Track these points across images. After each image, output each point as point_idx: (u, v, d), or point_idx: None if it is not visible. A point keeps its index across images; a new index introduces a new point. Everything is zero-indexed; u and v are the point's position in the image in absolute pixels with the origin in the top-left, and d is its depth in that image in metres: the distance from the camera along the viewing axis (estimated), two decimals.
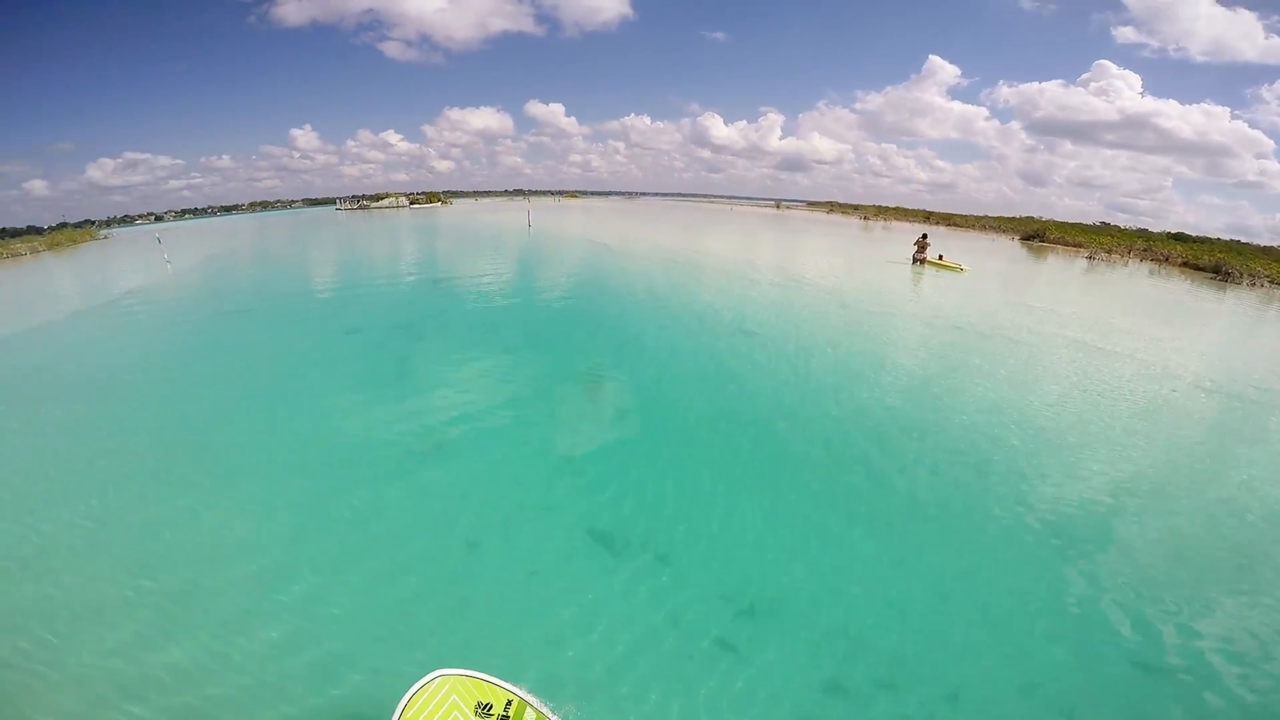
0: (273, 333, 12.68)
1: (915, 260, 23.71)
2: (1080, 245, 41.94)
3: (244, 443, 7.44)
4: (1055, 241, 45.70)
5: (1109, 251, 36.32)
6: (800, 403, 8.67)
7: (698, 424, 7.96)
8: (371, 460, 6.84)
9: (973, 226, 68.09)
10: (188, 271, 23.87)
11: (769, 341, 11.68)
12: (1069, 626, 4.46)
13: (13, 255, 46.75)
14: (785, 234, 40.20)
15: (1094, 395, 9.17)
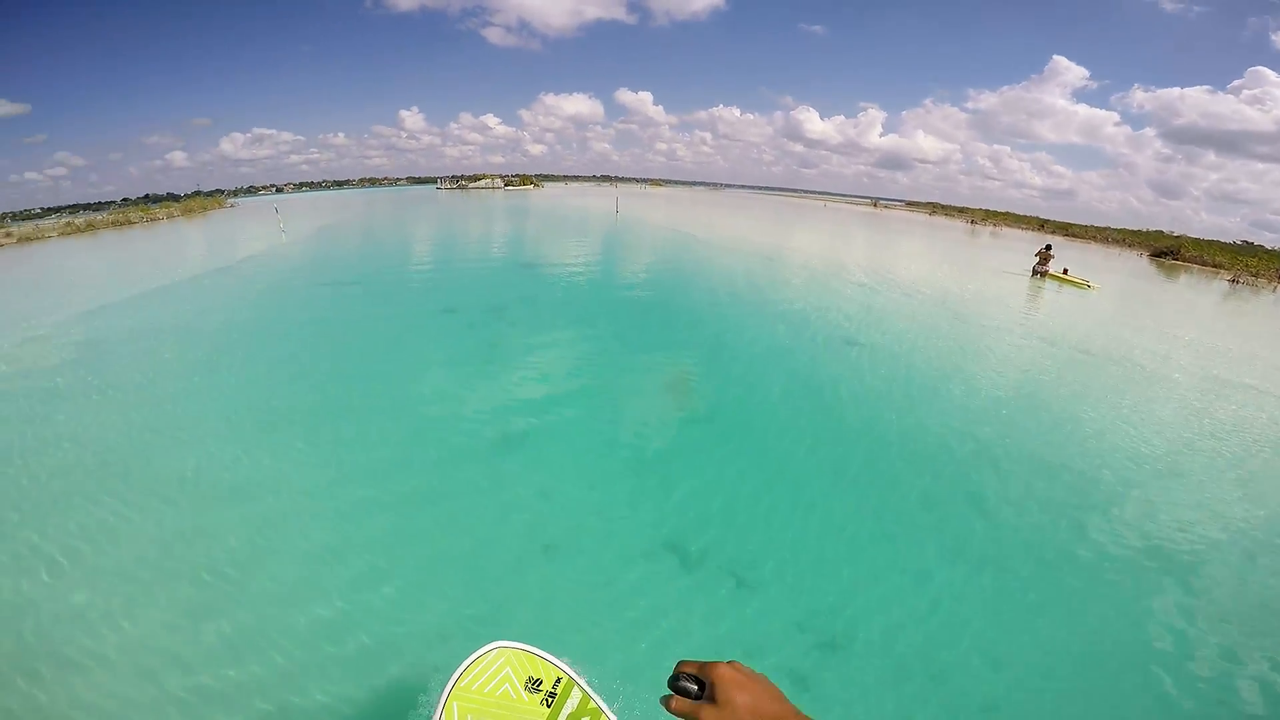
0: (373, 306, 12.93)
1: (1036, 272, 21.59)
2: (1220, 266, 37.20)
3: (334, 410, 7.46)
4: (1190, 260, 40.82)
5: (1255, 275, 31.81)
6: (905, 423, 7.75)
7: (788, 436, 7.23)
8: (450, 442, 6.67)
9: (1093, 238, 62.27)
10: (300, 241, 25.21)
11: (871, 353, 10.69)
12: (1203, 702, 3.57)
13: (152, 220, 51.58)
14: (886, 235, 38.00)
15: (1250, 443, 7.72)
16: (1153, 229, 68.22)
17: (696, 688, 0.75)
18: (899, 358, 10.54)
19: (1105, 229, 66.37)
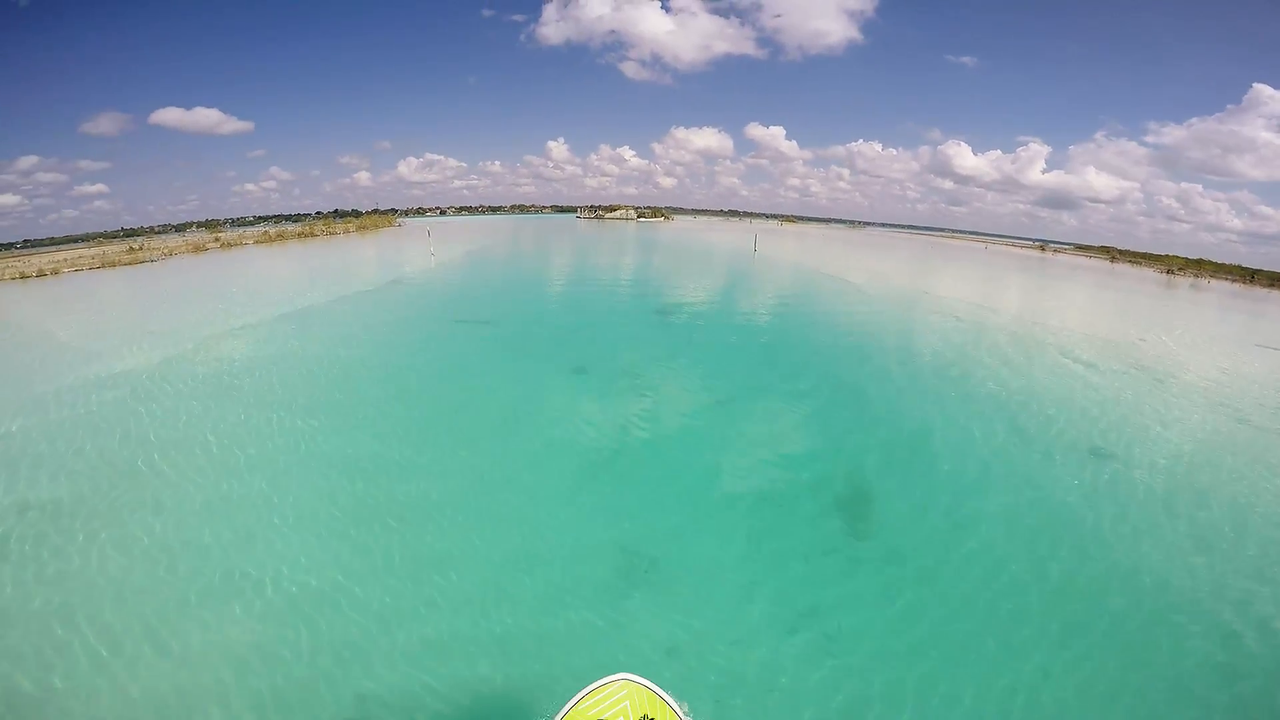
0: (501, 357, 11.41)
1: None
2: None
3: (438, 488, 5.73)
4: None
5: None
6: (1184, 583, 4.72)
7: (1022, 614, 4.67)
8: (554, 578, 4.92)
9: None
10: (446, 266, 25.28)
11: (1134, 475, 7.35)
12: None
13: (331, 234, 56.70)
14: (1074, 286, 31.98)
15: None
16: None
17: None
18: (1179, 488, 7.12)
19: None
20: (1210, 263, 70.53)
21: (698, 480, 6.86)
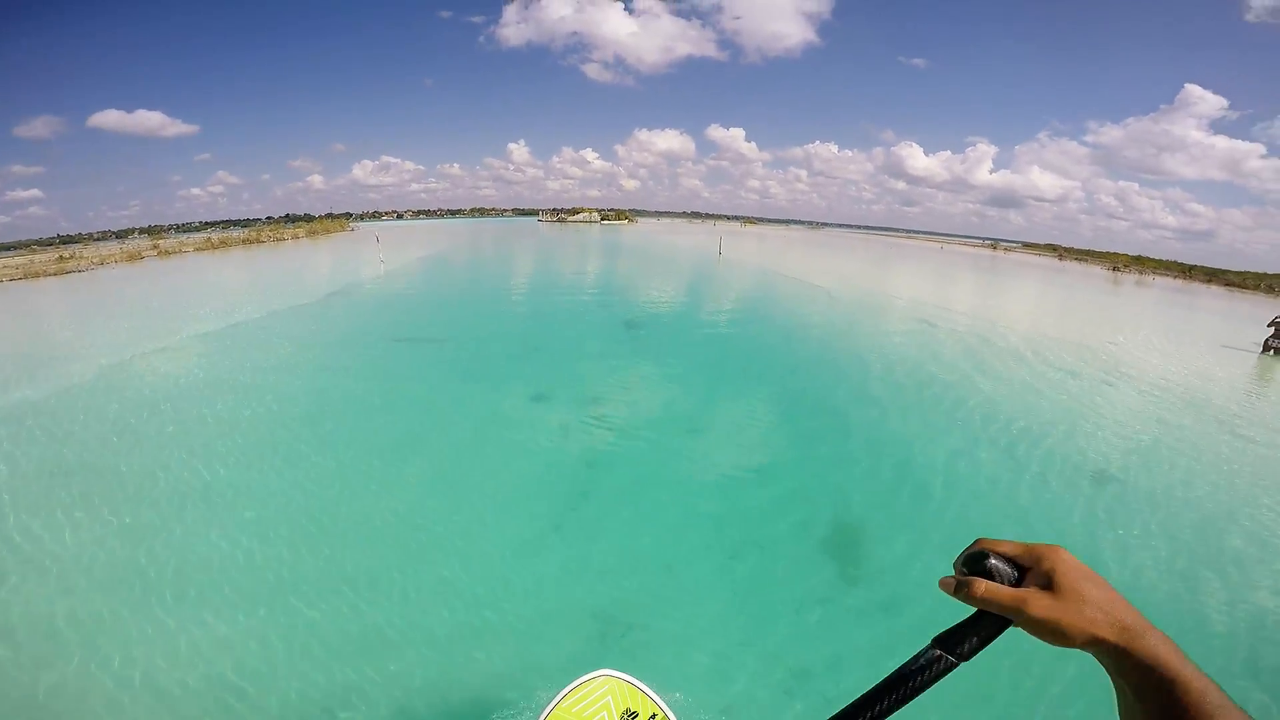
0: (450, 382, 9.96)
1: (1270, 348, 16.11)
2: None
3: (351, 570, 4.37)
4: None
5: None
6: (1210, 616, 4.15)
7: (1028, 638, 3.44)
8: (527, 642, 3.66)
9: (1254, 286, 52.33)
10: (396, 274, 23.55)
11: (1134, 493, 6.63)
12: None
13: (278, 240, 53.71)
14: (1032, 285, 32.12)
15: None
16: None
17: (1015, 572, 0.58)
18: (1186, 508, 6.39)
19: (1265, 275, 56.05)
20: (1150, 259, 73.35)
21: (673, 524, 5.76)
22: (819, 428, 8.45)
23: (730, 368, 11.17)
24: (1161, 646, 0.51)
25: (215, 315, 14.48)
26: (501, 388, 9.59)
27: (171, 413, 8.03)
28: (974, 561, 0.59)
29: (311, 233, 62.38)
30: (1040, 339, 15.03)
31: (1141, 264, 66.61)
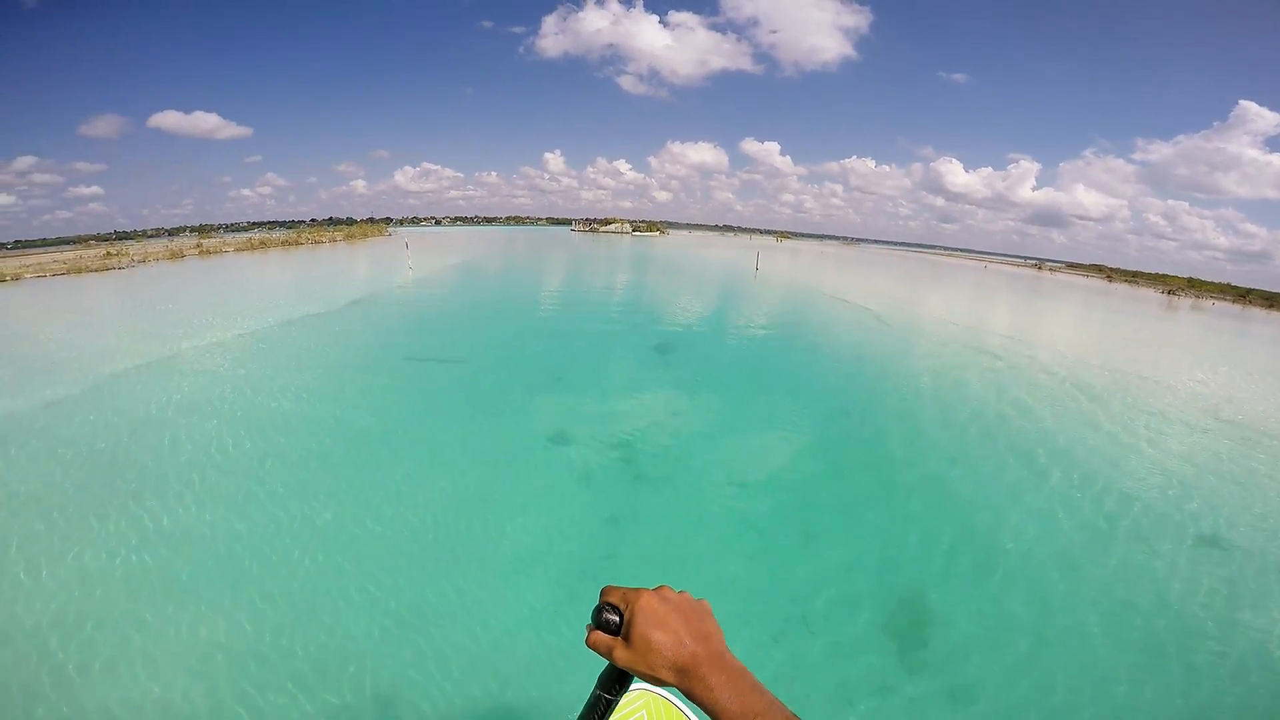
0: (462, 416, 8.71)
1: None
2: None
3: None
4: None
5: None
6: None
7: None
8: None
9: None
10: (423, 283, 22.74)
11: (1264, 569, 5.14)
12: None
13: (316, 243, 54.10)
14: (1097, 314, 29.66)
15: None
16: None
17: (618, 619, 0.64)
18: None
19: None
20: (1205, 282, 69.12)
21: (706, 595, 4.38)
22: (873, 481, 7.00)
23: (771, 406, 9.75)
24: (713, 680, 0.57)
25: (225, 322, 13.67)
26: (519, 425, 8.36)
27: (127, 444, 6.99)
28: (596, 611, 0.64)
29: (349, 237, 62.89)
30: (1115, 374, 13.20)
31: (1197, 287, 62.58)
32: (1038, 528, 5.97)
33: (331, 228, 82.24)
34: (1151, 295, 54.53)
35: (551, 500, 6.25)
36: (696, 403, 9.56)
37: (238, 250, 45.72)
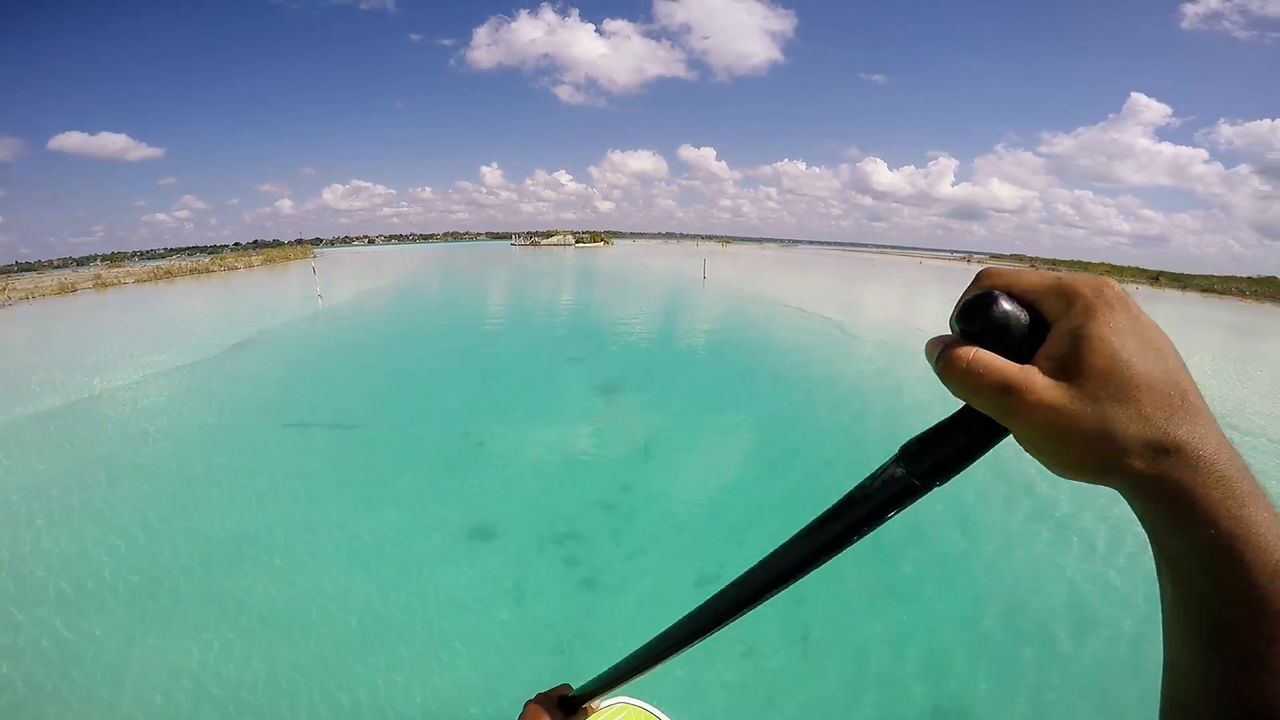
0: (342, 513, 6.18)
1: None
2: None
3: None
4: None
5: None
6: None
7: None
8: None
9: (1224, 292, 51.09)
10: (332, 314, 19.60)
11: None
12: None
13: (232, 269, 49.21)
14: None
15: None
16: (1262, 274, 57.68)
17: (1027, 322, 0.32)
18: None
19: (1228, 279, 55.29)
20: (1123, 267, 72.60)
21: None
22: (884, 561, 4.94)
23: (747, 461, 7.56)
24: (1243, 485, 0.28)
25: (67, 383, 10.47)
26: (426, 516, 5.96)
27: None
28: (973, 310, 0.33)
29: (269, 261, 57.82)
30: None
31: (1121, 273, 65.46)
32: (1093, 590, 3.92)
33: (256, 251, 76.18)
34: None
35: (469, 631, 4.16)
36: (654, 466, 7.26)
37: (139, 281, 40.79)
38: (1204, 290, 54.66)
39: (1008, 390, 0.29)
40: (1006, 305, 0.31)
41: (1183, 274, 65.62)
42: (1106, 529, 5.83)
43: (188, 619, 4.37)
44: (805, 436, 8.63)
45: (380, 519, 5.88)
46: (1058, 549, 5.54)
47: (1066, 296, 0.30)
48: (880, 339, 15.93)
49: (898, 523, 0.40)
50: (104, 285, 38.01)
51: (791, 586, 0.45)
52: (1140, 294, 45.07)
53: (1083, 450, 0.29)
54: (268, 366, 12.32)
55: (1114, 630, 4.35)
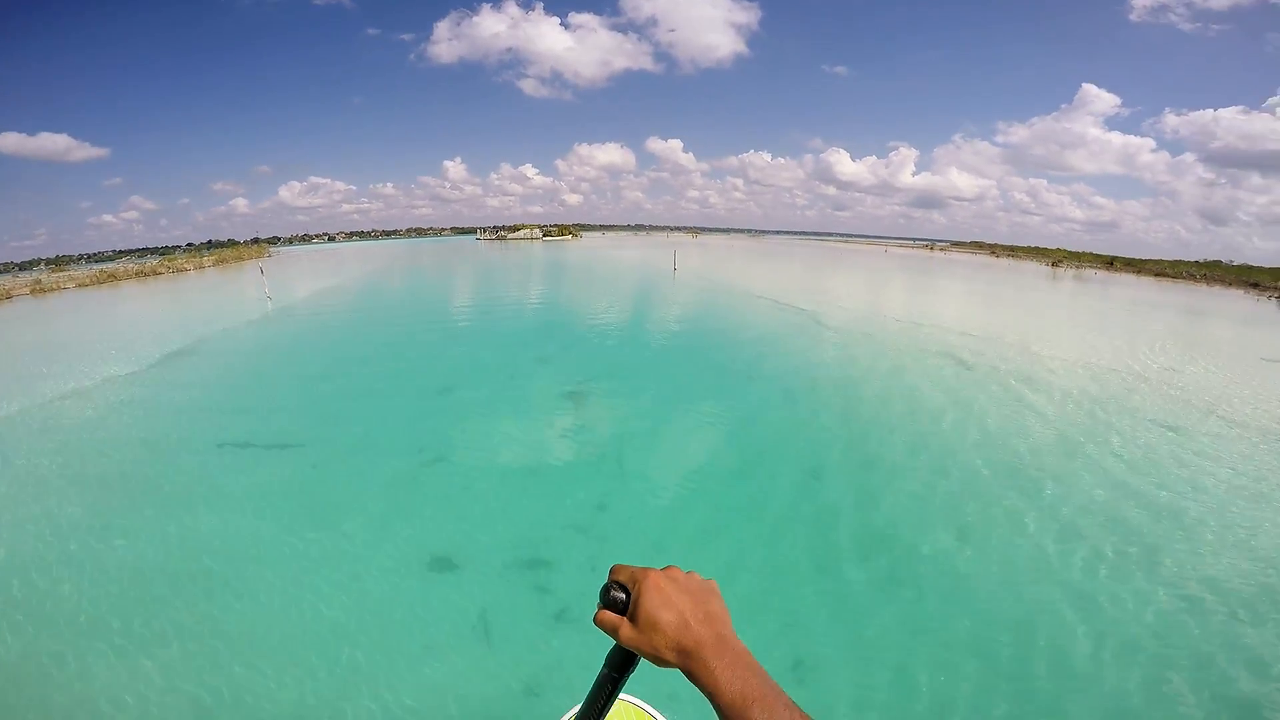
0: (282, 546, 5.39)
1: None
2: None
3: None
4: None
5: None
6: None
7: None
8: None
9: (1164, 274, 52.96)
10: (281, 317, 18.39)
11: None
12: None
13: (181, 270, 46.65)
14: (1014, 292, 29.28)
15: None
16: (1207, 259, 59.94)
17: (625, 597, 0.62)
18: None
19: (1179, 263, 57.31)
20: (1079, 253, 74.58)
21: None
22: (879, 583, 4.42)
23: (730, 473, 7.00)
24: (715, 664, 0.54)
25: None
26: (378, 545, 5.24)
27: None
28: (603, 592, 0.62)
29: (221, 261, 55.16)
30: (1090, 370, 11.54)
31: (1076, 259, 67.04)
32: (1115, 607, 3.46)
33: (201, 253, 72.71)
34: (1037, 268, 57.39)
35: (432, 675, 3.56)
36: (630, 480, 6.63)
37: (80, 286, 38.37)
38: (1157, 275, 56.20)
39: (615, 630, 0.60)
40: (614, 591, 0.61)
41: (1136, 259, 67.49)
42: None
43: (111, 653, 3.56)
44: (789, 441, 8.09)
45: (326, 553, 5.14)
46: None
47: (635, 581, 0.61)
48: (851, 328, 15.55)
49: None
50: (42, 291, 35.61)
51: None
52: (1097, 278, 46.11)
53: (650, 654, 0.58)
54: (205, 377, 11.26)
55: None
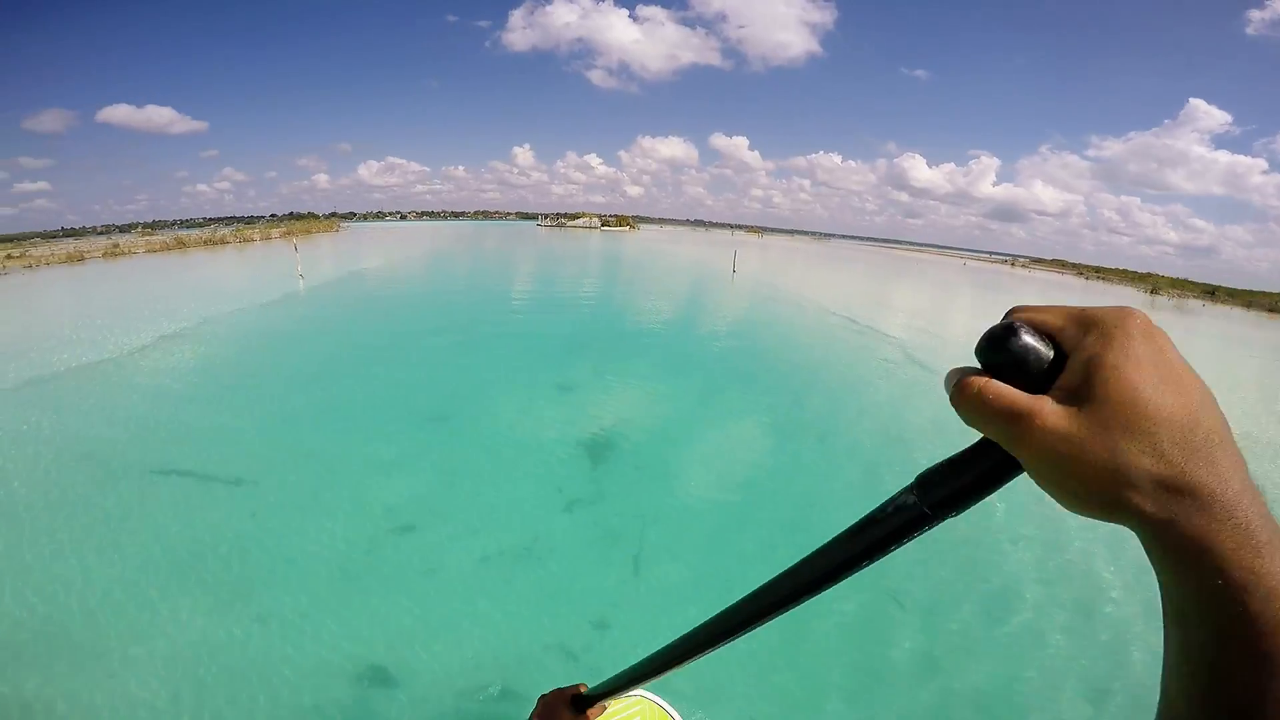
0: (223, 636, 3.30)
1: None
2: None
3: None
4: None
5: None
6: None
7: None
8: None
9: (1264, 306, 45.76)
10: (304, 300, 16.79)
11: None
12: None
13: (249, 241, 47.20)
14: (1165, 322, 24.82)
15: None
16: None
17: (1050, 355, 0.30)
18: None
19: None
20: (1177, 279, 66.61)
21: None
22: None
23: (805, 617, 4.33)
24: (1256, 520, 0.26)
25: None
26: (299, 641, 2.97)
27: None
28: (993, 343, 0.31)
29: (288, 234, 55.78)
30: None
31: (1182, 287, 59.45)
32: None
33: (281, 223, 74.54)
34: (1133, 295, 50.92)
35: None
36: (644, 590, 4.08)
37: (149, 251, 39.12)
38: (1270, 310, 48.95)
39: (1015, 417, 0.28)
40: (1027, 338, 0.30)
41: (1239, 289, 59.22)
42: None
43: None
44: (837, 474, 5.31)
45: (223, 643, 2.87)
46: None
47: (1085, 325, 0.30)
48: (942, 364, 12.36)
49: None
50: (116, 254, 36.29)
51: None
52: (1204, 311, 39.97)
53: (1090, 482, 0.27)
54: (180, 372, 9.45)
55: None
